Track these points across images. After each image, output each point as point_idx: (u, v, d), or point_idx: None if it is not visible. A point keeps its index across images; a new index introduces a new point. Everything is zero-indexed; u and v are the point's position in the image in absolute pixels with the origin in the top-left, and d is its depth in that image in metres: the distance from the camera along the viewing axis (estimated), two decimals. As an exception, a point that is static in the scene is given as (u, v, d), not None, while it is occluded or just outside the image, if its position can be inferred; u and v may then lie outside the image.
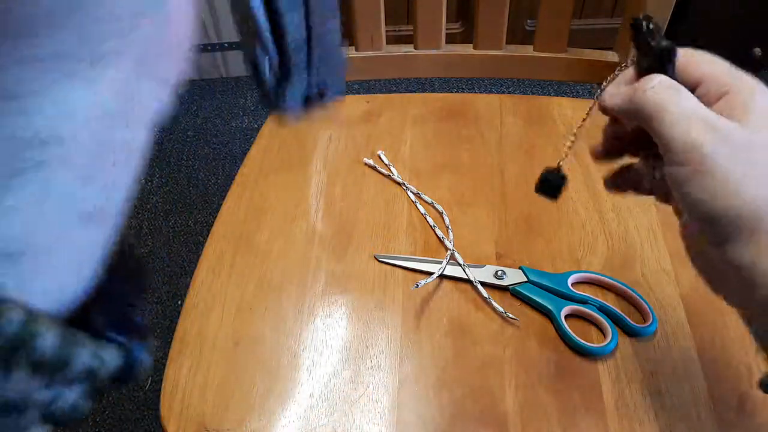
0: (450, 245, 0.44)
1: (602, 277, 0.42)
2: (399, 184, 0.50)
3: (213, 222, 0.48)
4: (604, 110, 0.26)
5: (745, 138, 0.21)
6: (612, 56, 0.56)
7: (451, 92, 1.21)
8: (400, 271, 0.43)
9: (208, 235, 0.47)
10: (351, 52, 0.58)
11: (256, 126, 1.22)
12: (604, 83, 0.27)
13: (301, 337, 0.40)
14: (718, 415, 0.36)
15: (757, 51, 1.23)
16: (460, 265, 0.43)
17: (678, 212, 0.26)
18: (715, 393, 0.37)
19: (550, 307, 0.40)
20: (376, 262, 0.44)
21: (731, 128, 0.22)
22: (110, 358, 0.13)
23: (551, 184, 0.33)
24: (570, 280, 0.42)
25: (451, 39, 0.57)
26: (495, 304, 0.41)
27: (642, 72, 0.26)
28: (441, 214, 0.47)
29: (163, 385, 0.37)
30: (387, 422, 0.36)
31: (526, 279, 0.42)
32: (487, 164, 0.51)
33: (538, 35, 0.56)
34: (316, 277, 0.43)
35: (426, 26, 0.55)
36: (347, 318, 0.41)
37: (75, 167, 0.13)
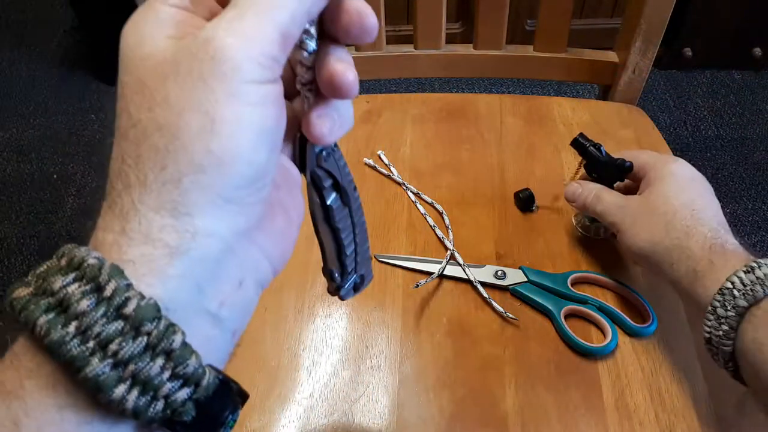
0: (450, 245, 0.44)
1: (602, 277, 0.42)
2: (399, 184, 0.50)
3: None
4: (569, 201, 0.43)
5: (639, 205, 0.37)
6: (612, 56, 0.56)
7: (451, 92, 1.21)
8: (400, 271, 0.43)
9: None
10: (351, 52, 0.58)
11: (255, 126, 1.21)
12: (570, 177, 0.45)
13: (301, 337, 0.40)
14: (717, 415, 0.36)
15: (757, 51, 1.23)
16: (460, 265, 0.43)
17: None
18: (714, 393, 0.37)
19: (550, 307, 0.40)
20: (377, 261, 0.44)
21: (631, 202, 0.38)
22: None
23: (522, 201, 0.47)
24: (570, 280, 0.42)
25: (451, 39, 0.57)
26: (495, 304, 0.41)
27: (590, 172, 0.43)
28: (441, 214, 0.47)
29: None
30: (387, 422, 0.36)
31: (526, 279, 0.42)
32: (487, 164, 0.51)
33: (538, 35, 0.56)
34: (316, 277, 0.43)
35: (426, 26, 0.55)
36: (347, 318, 0.41)
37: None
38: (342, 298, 0.22)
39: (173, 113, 0.15)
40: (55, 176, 1.14)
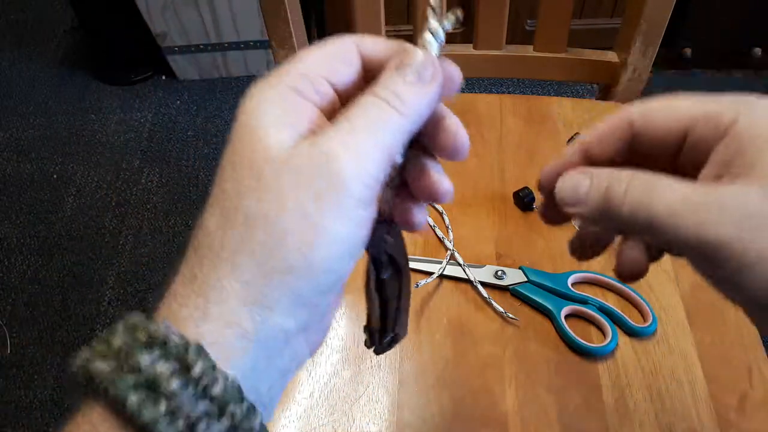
0: (450, 245, 0.44)
1: (602, 277, 0.42)
2: (399, 184, 0.50)
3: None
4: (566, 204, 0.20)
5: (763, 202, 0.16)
6: (612, 56, 0.56)
7: (452, 92, 1.20)
8: (400, 271, 0.43)
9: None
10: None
11: (256, 126, 1.21)
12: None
13: (301, 336, 0.40)
14: (718, 415, 0.36)
15: (757, 51, 1.22)
16: (460, 265, 0.43)
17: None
18: (715, 393, 0.37)
19: (550, 307, 0.40)
20: (376, 262, 0.44)
21: (743, 198, 0.16)
22: None
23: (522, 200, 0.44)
24: (570, 280, 0.42)
25: (451, 39, 0.56)
26: (495, 304, 0.41)
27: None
28: (441, 214, 0.47)
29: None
30: (387, 422, 0.36)
31: (526, 279, 0.42)
32: (487, 164, 0.51)
33: (538, 35, 0.56)
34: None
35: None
36: (347, 318, 0.41)
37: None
38: (376, 353, 0.24)
39: (281, 212, 0.16)
40: (54, 176, 1.14)
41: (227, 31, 1.21)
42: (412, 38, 0.69)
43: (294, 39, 0.55)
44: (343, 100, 0.19)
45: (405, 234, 0.23)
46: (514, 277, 0.42)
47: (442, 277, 0.43)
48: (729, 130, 0.18)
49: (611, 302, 0.41)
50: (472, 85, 1.11)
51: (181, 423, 0.14)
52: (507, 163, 0.51)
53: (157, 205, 1.08)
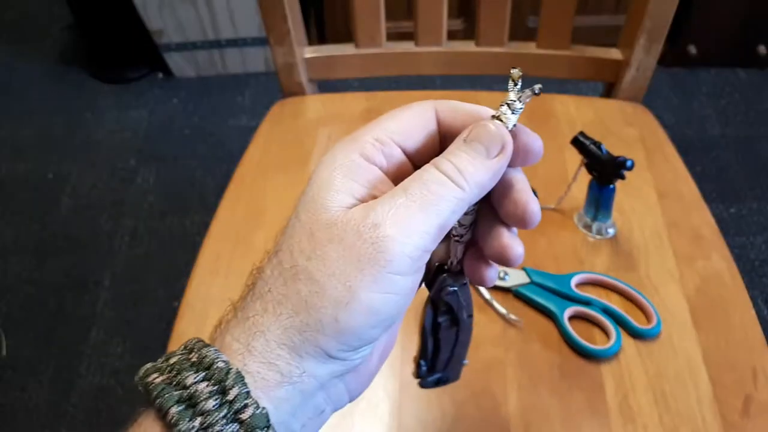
0: (451, 245, 0.44)
1: (606, 278, 0.42)
2: (399, 183, 0.49)
3: (210, 222, 0.47)
4: None
5: None
6: (616, 53, 0.55)
7: (453, 90, 1.20)
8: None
9: (205, 236, 0.46)
10: (350, 49, 0.57)
11: (253, 124, 1.20)
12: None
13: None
14: (722, 418, 0.35)
15: (762, 49, 1.22)
16: (461, 265, 0.42)
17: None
18: (719, 395, 0.36)
19: (553, 308, 0.40)
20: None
21: None
22: None
23: None
24: (573, 282, 0.41)
25: (452, 36, 0.56)
26: (497, 306, 0.40)
27: (590, 171, 0.40)
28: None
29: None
30: (387, 426, 0.35)
31: (529, 280, 0.41)
32: (488, 163, 0.51)
33: (541, 32, 0.55)
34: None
35: (427, 23, 0.55)
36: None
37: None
38: (421, 386, 0.24)
39: (324, 273, 0.17)
40: (50, 175, 1.13)
41: (225, 27, 1.20)
42: (413, 35, 0.67)
43: (292, 36, 0.54)
44: (416, 162, 0.20)
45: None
46: (516, 278, 0.41)
47: (443, 278, 0.42)
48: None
49: (615, 304, 0.40)
50: (474, 82, 1.11)
51: None
52: (508, 162, 0.51)
53: (154, 205, 1.08)
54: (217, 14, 1.17)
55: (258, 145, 0.54)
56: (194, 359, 0.17)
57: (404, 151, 0.19)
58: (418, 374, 0.24)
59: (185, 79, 1.30)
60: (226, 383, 0.16)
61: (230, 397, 0.16)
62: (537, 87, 0.18)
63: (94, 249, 1.01)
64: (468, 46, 0.57)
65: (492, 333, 0.39)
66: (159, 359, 0.18)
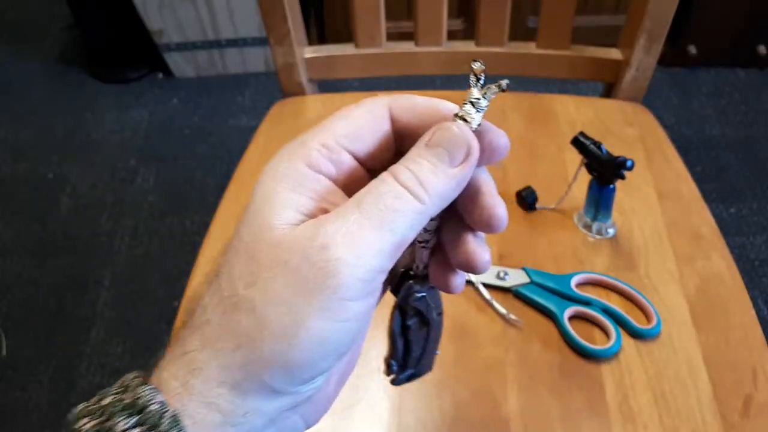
0: (451, 245, 0.44)
1: (606, 278, 0.42)
2: (399, 183, 0.49)
3: (210, 222, 0.47)
4: None
5: None
6: (616, 54, 0.55)
7: (453, 90, 1.20)
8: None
9: (205, 236, 0.46)
10: (350, 50, 0.57)
11: (253, 124, 1.20)
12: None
13: (300, 339, 0.39)
14: (722, 418, 0.35)
15: (762, 49, 1.22)
16: (461, 265, 0.42)
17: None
18: (719, 395, 0.36)
19: (553, 308, 0.40)
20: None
21: None
22: None
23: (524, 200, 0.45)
24: (573, 281, 0.41)
25: (452, 36, 0.56)
26: (497, 306, 0.40)
27: (590, 171, 0.41)
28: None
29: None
30: (387, 426, 0.35)
31: (529, 280, 0.41)
32: (488, 163, 0.51)
33: (541, 32, 0.55)
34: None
35: (427, 23, 0.55)
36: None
37: None
38: (393, 384, 0.23)
39: (267, 302, 0.15)
40: (50, 175, 1.13)
41: (225, 27, 1.20)
42: (413, 35, 0.67)
43: (292, 36, 0.54)
44: (370, 167, 0.18)
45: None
46: (516, 278, 0.41)
47: (443, 278, 0.42)
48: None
49: (615, 304, 0.40)
50: (471, 83, 1.11)
51: None
52: (509, 162, 0.51)
53: (154, 205, 1.07)
54: (217, 14, 1.17)
55: (258, 145, 0.54)
56: (128, 400, 0.15)
57: (355, 156, 0.18)
58: (389, 373, 0.23)
59: (185, 79, 1.30)
60: (160, 428, 0.15)
61: None
62: (504, 82, 0.17)
63: (94, 249, 1.01)
64: (468, 46, 0.57)
65: (492, 333, 0.39)
66: (93, 398, 0.16)
